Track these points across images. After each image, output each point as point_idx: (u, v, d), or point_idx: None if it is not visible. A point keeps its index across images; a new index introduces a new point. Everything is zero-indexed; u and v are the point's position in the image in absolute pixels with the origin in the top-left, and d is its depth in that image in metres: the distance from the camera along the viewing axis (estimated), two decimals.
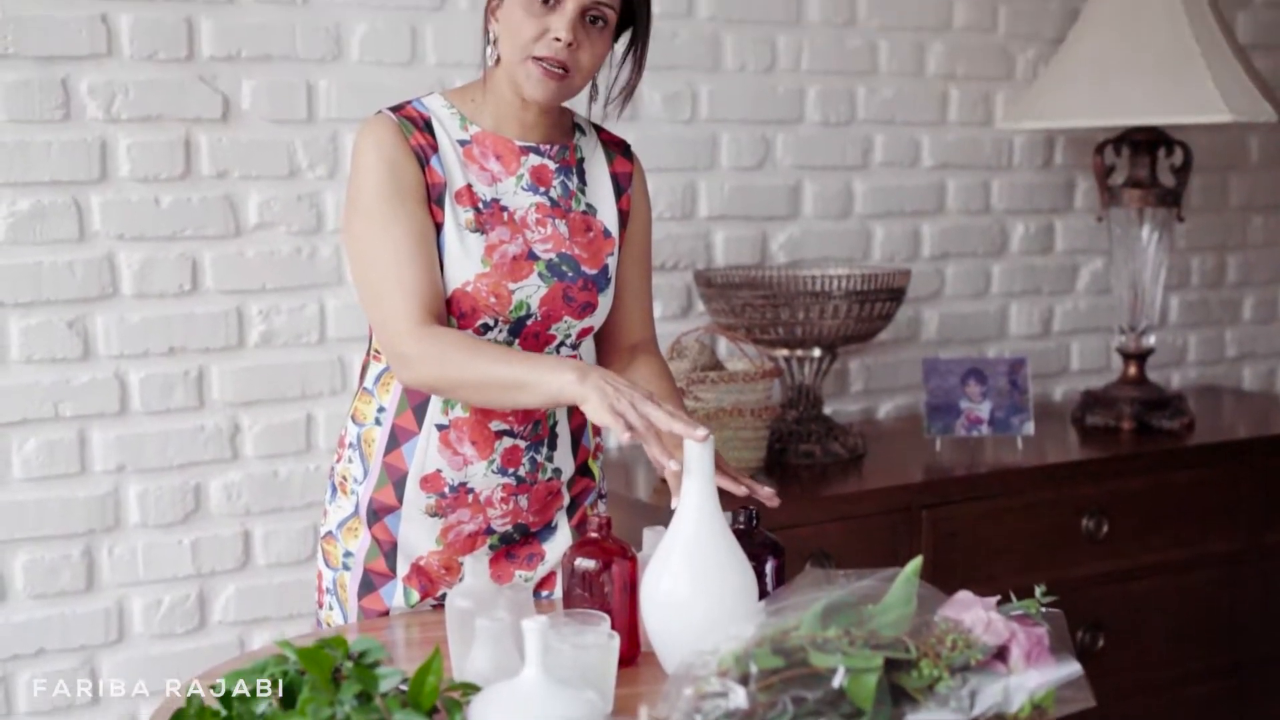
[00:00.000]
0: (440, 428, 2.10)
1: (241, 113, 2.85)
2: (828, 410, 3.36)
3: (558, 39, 2.00)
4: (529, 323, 2.10)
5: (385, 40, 2.96)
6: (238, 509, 2.91)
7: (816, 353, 3.14)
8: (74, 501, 2.77)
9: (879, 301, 3.09)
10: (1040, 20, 3.74)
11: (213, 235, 2.85)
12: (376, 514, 2.15)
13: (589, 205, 2.17)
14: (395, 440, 2.12)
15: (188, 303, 2.84)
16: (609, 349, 2.29)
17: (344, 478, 2.19)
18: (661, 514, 1.94)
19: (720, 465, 1.98)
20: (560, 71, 2.02)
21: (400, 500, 2.13)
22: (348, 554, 2.17)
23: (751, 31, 3.35)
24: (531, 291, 2.09)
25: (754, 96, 3.37)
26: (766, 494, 1.99)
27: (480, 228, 2.07)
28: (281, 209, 2.90)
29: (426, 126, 2.08)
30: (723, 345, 3.29)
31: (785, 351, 3.14)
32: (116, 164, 2.75)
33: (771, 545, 1.95)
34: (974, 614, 1.62)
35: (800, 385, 3.18)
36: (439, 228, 2.05)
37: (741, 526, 1.93)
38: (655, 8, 3.07)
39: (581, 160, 2.19)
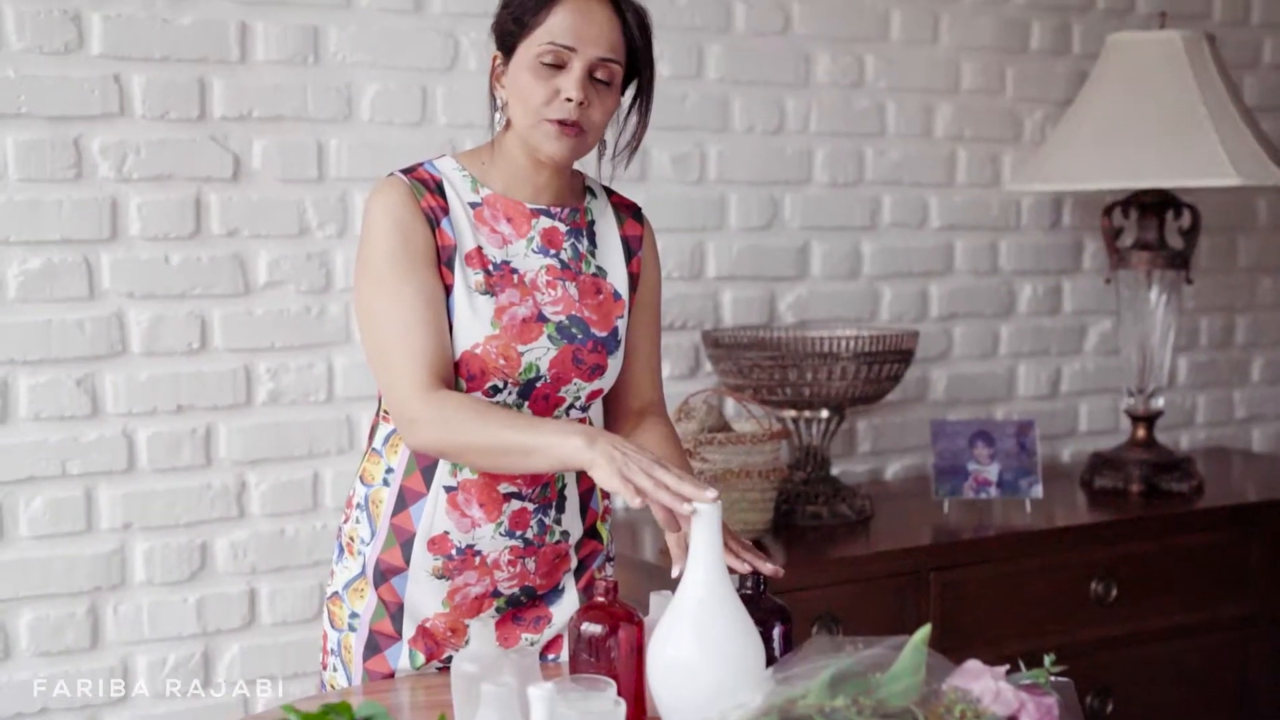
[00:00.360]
0: (448, 490, 2.10)
1: (252, 172, 2.86)
2: (835, 471, 3.36)
3: (569, 99, 2.01)
4: (538, 385, 2.10)
5: (396, 100, 2.97)
6: (244, 567, 2.91)
7: (824, 414, 3.14)
8: (80, 559, 2.77)
9: (887, 363, 3.09)
10: (1048, 83, 3.75)
11: (222, 294, 2.85)
12: (383, 575, 2.14)
13: (599, 268, 2.18)
14: (403, 502, 2.12)
15: (196, 361, 2.84)
16: (617, 411, 2.29)
17: (351, 538, 2.18)
18: (669, 577, 1.93)
19: (726, 537, 1.97)
20: (575, 129, 2.04)
21: (407, 562, 2.12)
22: (354, 615, 2.16)
23: (760, 93, 3.37)
24: (541, 354, 2.09)
25: (762, 157, 3.38)
26: (770, 570, 1.98)
27: (490, 290, 2.07)
28: (291, 268, 2.90)
29: (438, 189, 2.09)
30: (730, 405, 3.29)
31: (793, 412, 3.13)
32: (127, 223, 2.76)
33: (779, 611, 1.94)
34: (983, 683, 1.61)
35: (808, 446, 3.17)
36: (449, 290, 2.06)
37: (748, 592, 1.93)
38: (664, 69, 3.10)
39: (592, 223, 2.20)
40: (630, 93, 2.16)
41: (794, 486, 3.14)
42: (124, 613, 2.81)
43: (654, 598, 1.98)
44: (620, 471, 1.83)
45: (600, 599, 1.87)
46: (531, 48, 2.02)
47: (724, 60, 3.31)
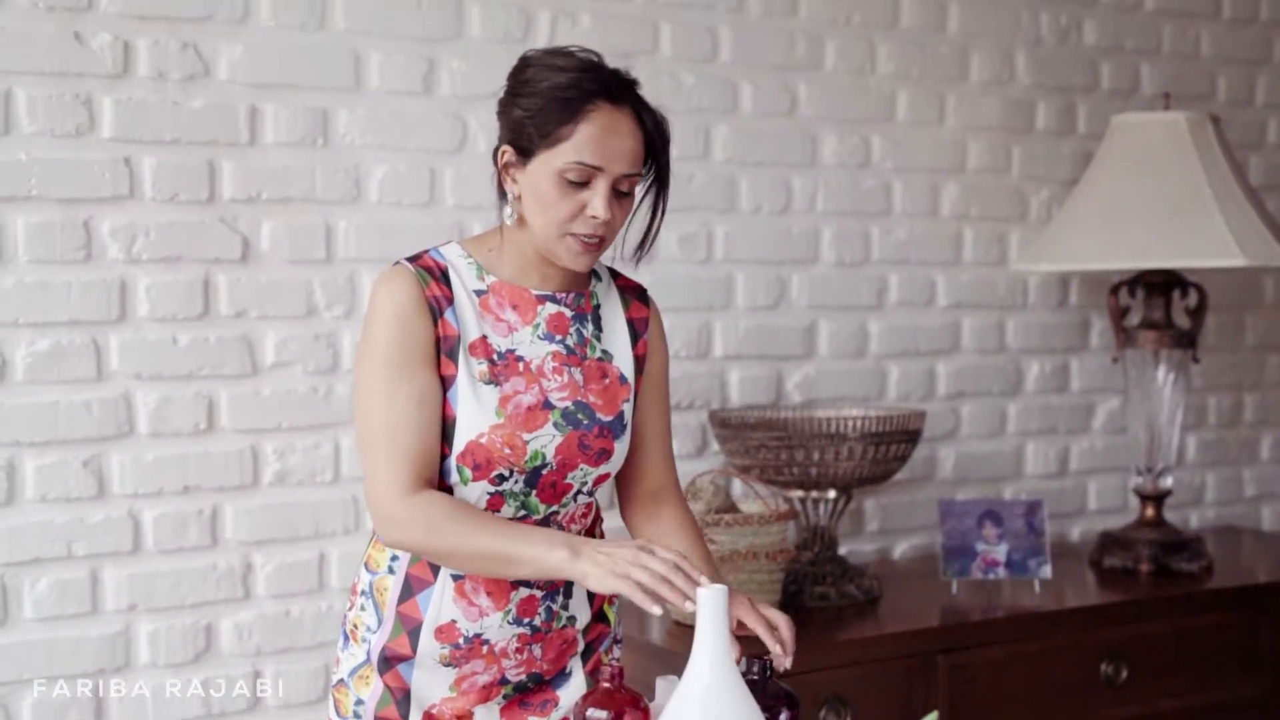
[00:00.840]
0: (455, 578, 2.09)
1: (261, 253, 2.88)
2: (843, 551, 3.34)
3: (595, 216, 2.02)
4: (544, 472, 2.10)
5: (404, 182, 2.99)
6: (249, 649, 2.89)
7: (831, 494, 3.13)
8: (84, 641, 2.76)
9: (894, 443, 3.09)
10: (1053, 162, 3.77)
11: (229, 374, 2.86)
12: (389, 662, 2.13)
13: (605, 351, 2.18)
14: (409, 589, 2.11)
15: (203, 441, 2.84)
16: (631, 494, 2.28)
17: (355, 626, 2.17)
18: (676, 661, 1.92)
19: (751, 606, 2.02)
20: (597, 242, 2.05)
21: (414, 649, 2.11)
22: (359, 702, 2.15)
23: (767, 173, 3.38)
24: (547, 441, 2.08)
25: (769, 237, 3.39)
26: (778, 658, 1.98)
27: (494, 379, 2.07)
28: (298, 348, 2.91)
29: (443, 277, 2.09)
30: (737, 486, 3.28)
31: (800, 492, 3.12)
32: (135, 304, 2.78)
33: (786, 696, 1.93)
34: None
35: (815, 526, 3.16)
36: (452, 380, 2.06)
37: (755, 677, 1.92)
38: (671, 150, 3.11)
39: (598, 306, 2.20)
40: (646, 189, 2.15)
41: (801, 567, 3.13)
42: (128, 695, 2.79)
43: (660, 683, 1.97)
44: (614, 572, 1.83)
45: (606, 684, 1.86)
46: (554, 161, 2.01)
47: (731, 141, 3.33)
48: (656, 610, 1.81)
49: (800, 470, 3.06)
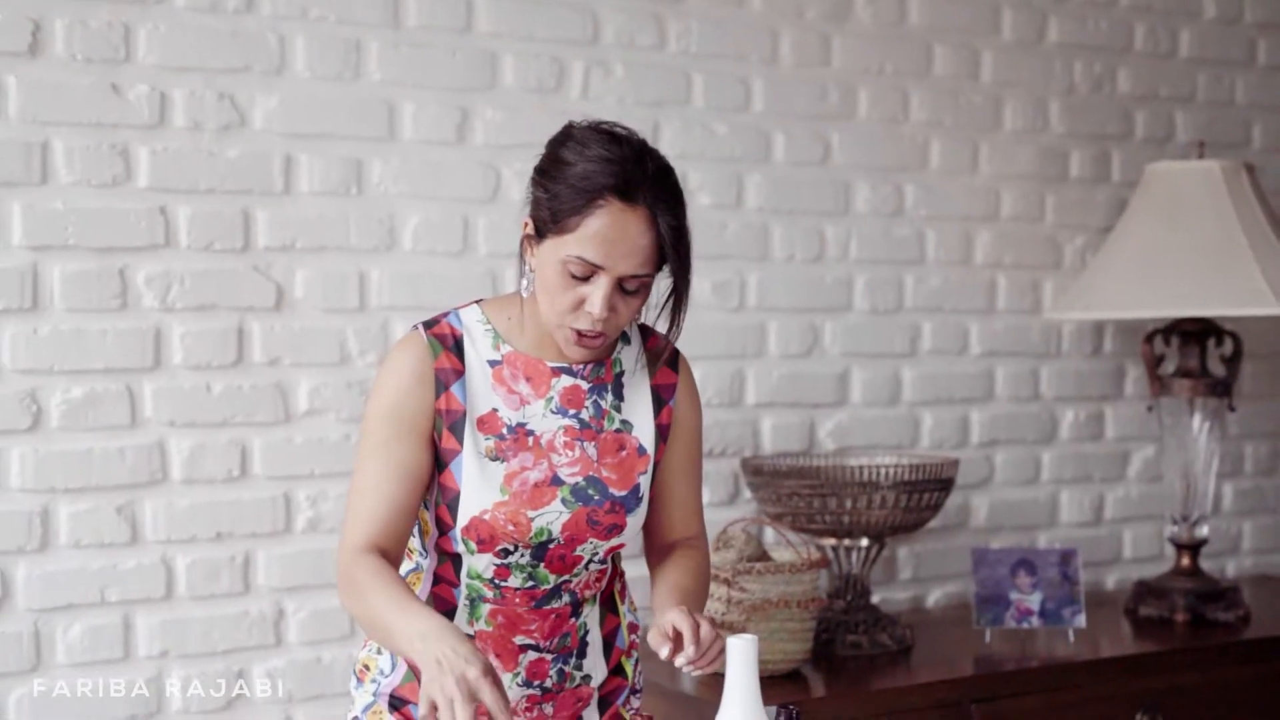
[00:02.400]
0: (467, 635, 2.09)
1: (294, 301, 2.90)
2: (875, 599, 3.33)
3: (591, 313, 1.97)
4: (551, 546, 2.07)
5: (437, 230, 3.01)
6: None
7: (864, 542, 3.12)
8: (116, 687, 2.76)
9: (928, 491, 3.08)
10: (1088, 210, 3.76)
11: (262, 422, 2.87)
12: (401, 701, 2.13)
13: (624, 422, 2.14)
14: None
15: (236, 489, 2.86)
16: (654, 546, 2.26)
17: (366, 666, 2.18)
18: (706, 711, 1.92)
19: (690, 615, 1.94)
20: (596, 339, 2.02)
21: None
22: None
23: (800, 222, 3.39)
24: (553, 518, 2.06)
25: (802, 285, 3.40)
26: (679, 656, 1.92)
27: (500, 455, 2.05)
28: (331, 395, 2.92)
29: (456, 346, 2.07)
30: (769, 534, 3.27)
31: (832, 540, 3.11)
32: (170, 352, 2.80)
33: None
34: None
35: (848, 574, 3.15)
36: (457, 454, 2.04)
37: None
38: (704, 199, 3.12)
39: (620, 374, 2.15)
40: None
41: (834, 615, 3.11)
42: None
43: None
44: (427, 692, 1.78)
45: None
46: (560, 250, 1.96)
47: (764, 189, 3.34)
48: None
49: (833, 518, 3.05)
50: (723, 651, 1.91)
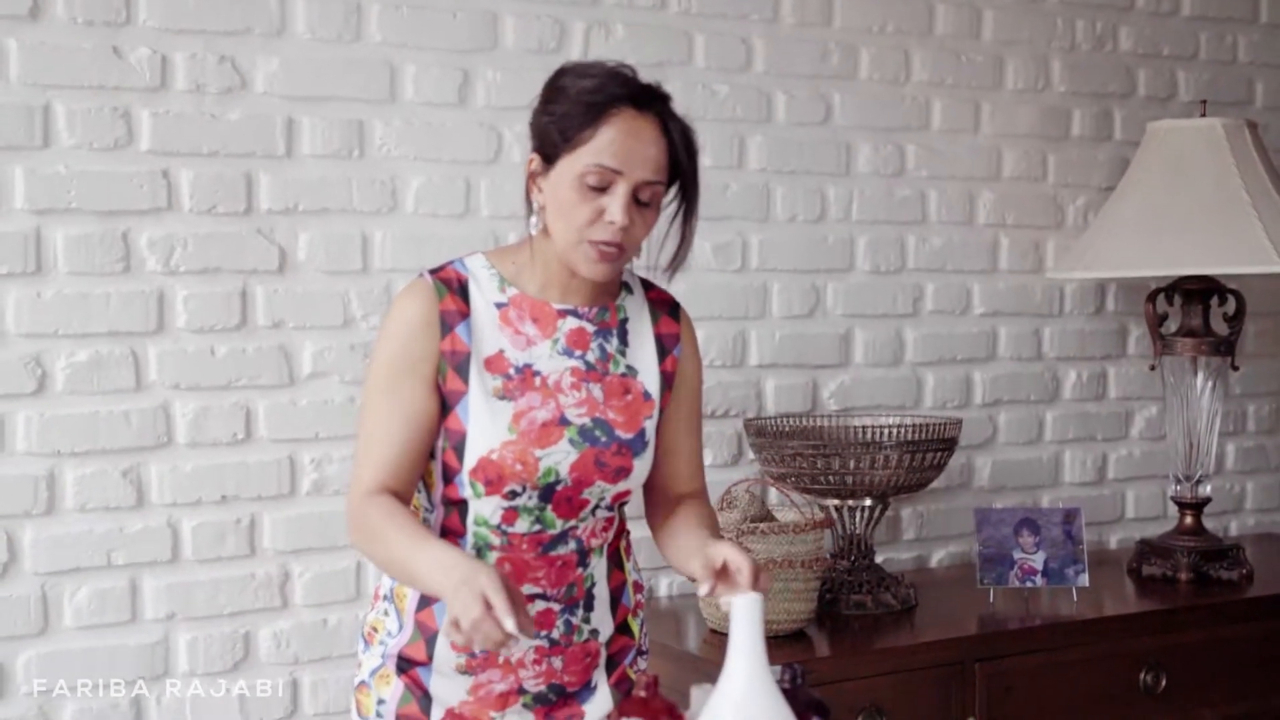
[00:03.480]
0: None
1: (298, 264, 2.89)
2: (879, 559, 3.34)
3: (612, 222, 2.00)
4: (559, 488, 2.09)
5: (440, 192, 3.00)
6: (286, 657, 2.91)
7: (868, 502, 3.12)
8: (123, 649, 2.78)
9: (930, 451, 3.08)
10: (1089, 169, 3.76)
11: (267, 385, 2.88)
12: (408, 663, 2.14)
13: (629, 367, 2.16)
14: (426, 599, 2.12)
15: (241, 451, 2.86)
16: (656, 502, 2.27)
17: (375, 628, 2.19)
18: (710, 669, 1.92)
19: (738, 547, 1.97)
20: (615, 251, 2.03)
21: (430, 657, 2.12)
22: (381, 702, 2.16)
23: (802, 182, 3.38)
24: (560, 458, 2.07)
25: (804, 246, 3.39)
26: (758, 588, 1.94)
27: (508, 395, 2.07)
28: (335, 358, 2.92)
29: (462, 290, 2.09)
30: (773, 494, 3.28)
31: (836, 501, 3.12)
32: (174, 315, 2.80)
33: (817, 705, 1.92)
34: None
35: (851, 535, 3.16)
36: (463, 395, 2.06)
37: (787, 686, 1.91)
38: (706, 160, 3.11)
39: (624, 320, 2.18)
40: (673, 202, 2.13)
41: (838, 575, 3.12)
42: (166, 703, 2.81)
43: (695, 691, 1.97)
44: (456, 620, 1.79)
45: (641, 694, 1.86)
46: (575, 165, 2.00)
47: (765, 150, 3.33)
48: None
49: (836, 479, 3.06)
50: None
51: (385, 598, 2.18)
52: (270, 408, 2.88)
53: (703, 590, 1.94)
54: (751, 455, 3.28)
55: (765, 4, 3.33)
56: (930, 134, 3.55)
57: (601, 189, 2.00)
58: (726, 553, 1.95)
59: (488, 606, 1.77)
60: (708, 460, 3.25)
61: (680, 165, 2.06)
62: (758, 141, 3.33)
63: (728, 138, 3.28)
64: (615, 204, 1.99)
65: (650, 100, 2.03)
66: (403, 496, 2.05)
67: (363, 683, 2.20)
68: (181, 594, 2.82)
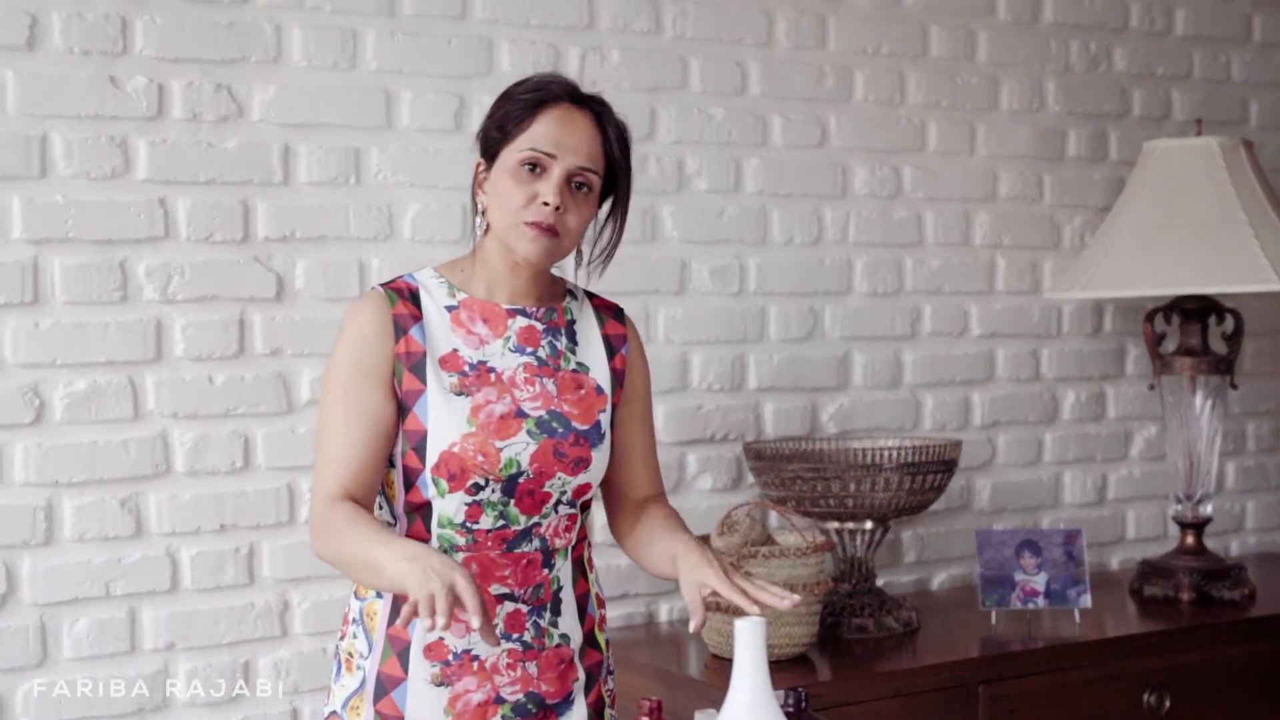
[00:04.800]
0: None
1: (295, 291, 2.89)
2: (880, 582, 3.33)
3: (546, 203, 2.08)
4: (521, 480, 2.12)
5: (436, 219, 3.00)
6: (287, 686, 2.90)
7: (868, 525, 3.12)
8: (123, 680, 2.76)
9: (930, 473, 3.08)
10: (1086, 189, 3.76)
11: (265, 413, 2.87)
12: (385, 688, 2.14)
13: (580, 364, 2.23)
14: (397, 611, 2.13)
15: (239, 480, 2.86)
16: (617, 508, 2.33)
17: (350, 654, 2.19)
18: (713, 694, 1.92)
19: (728, 573, 2.01)
20: (550, 232, 2.10)
21: (406, 671, 2.12)
22: None
23: (798, 205, 3.38)
24: (520, 449, 2.12)
25: (802, 268, 3.39)
26: (779, 598, 1.99)
27: (465, 390, 2.12)
28: None
29: (412, 297, 2.16)
30: (773, 518, 3.27)
31: (836, 524, 3.11)
32: (172, 344, 2.79)
33: None
34: None
35: (852, 557, 3.15)
36: (420, 395, 2.10)
37: (791, 710, 1.91)
38: (702, 184, 3.12)
39: (572, 321, 2.25)
40: (608, 205, 2.23)
41: (839, 599, 3.12)
42: None
43: (699, 717, 1.97)
44: (417, 581, 1.84)
45: (645, 718, 1.86)
46: (513, 153, 2.10)
47: (762, 173, 3.34)
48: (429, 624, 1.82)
49: (836, 502, 3.05)
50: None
51: (355, 621, 2.19)
52: (269, 436, 2.88)
53: (693, 626, 1.99)
54: (751, 479, 3.28)
55: (760, 28, 3.33)
56: (926, 155, 3.55)
57: (537, 175, 2.10)
58: (713, 581, 2.01)
59: (454, 598, 1.81)
60: (707, 485, 3.26)
61: (613, 159, 2.16)
62: (754, 165, 3.33)
63: (724, 161, 3.29)
64: (548, 186, 2.09)
65: (588, 99, 2.16)
66: (364, 504, 2.09)
67: (333, 713, 2.20)
68: (181, 623, 2.81)
